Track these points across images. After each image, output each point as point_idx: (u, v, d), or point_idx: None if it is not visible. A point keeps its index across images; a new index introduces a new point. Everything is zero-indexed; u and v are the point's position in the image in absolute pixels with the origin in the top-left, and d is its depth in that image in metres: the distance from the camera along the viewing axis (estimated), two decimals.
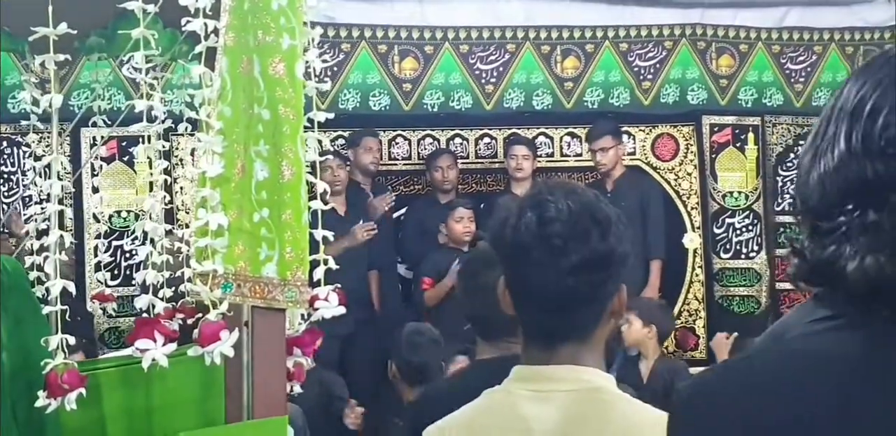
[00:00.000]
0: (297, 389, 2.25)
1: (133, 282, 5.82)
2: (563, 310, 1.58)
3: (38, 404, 2.06)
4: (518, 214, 1.58)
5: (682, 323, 6.54)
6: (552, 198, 1.57)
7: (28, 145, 5.45)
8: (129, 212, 5.96)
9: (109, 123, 3.06)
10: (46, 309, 2.22)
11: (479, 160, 6.60)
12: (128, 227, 5.92)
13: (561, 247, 1.54)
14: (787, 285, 6.64)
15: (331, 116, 2.23)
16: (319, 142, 2.23)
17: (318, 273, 2.18)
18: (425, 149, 6.54)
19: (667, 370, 5.06)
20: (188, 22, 2.08)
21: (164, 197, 2.62)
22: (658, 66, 6.54)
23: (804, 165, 1.02)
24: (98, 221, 5.61)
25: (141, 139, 5.65)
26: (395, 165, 6.47)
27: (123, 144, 5.86)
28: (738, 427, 0.96)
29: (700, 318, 6.55)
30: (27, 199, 5.77)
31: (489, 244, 1.66)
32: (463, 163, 6.44)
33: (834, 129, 0.99)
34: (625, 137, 6.44)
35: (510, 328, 2.37)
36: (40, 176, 2.91)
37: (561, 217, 1.55)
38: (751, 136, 6.61)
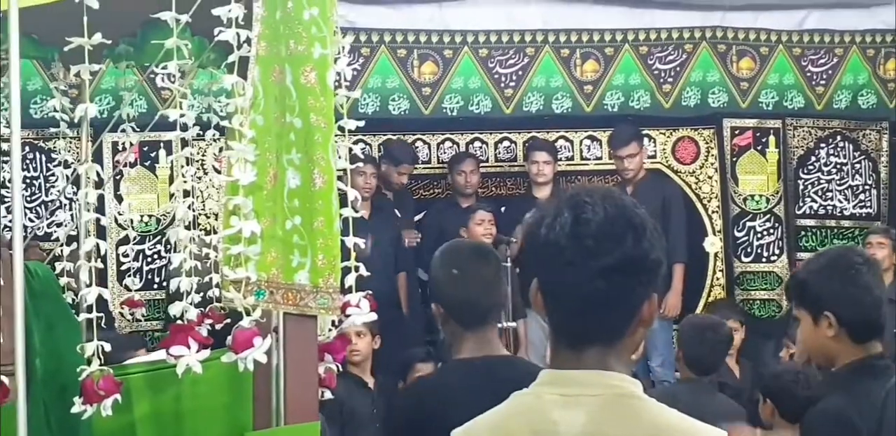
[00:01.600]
0: (329, 394, 2.27)
1: (155, 286, 5.86)
2: (592, 313, 1.57)
3: (75, 410, 2.08)
4: (554, 214, 1.58)
5: None
6: (590, 200, 1.57)
7: (54, 150, 5.49)
8: (150, 217, 5.99)
9: (138, 129, 3.09)
10: (82, 316, 2.24)
11: (499, 164, 6.61)
12: (149, 231, 5.95)
13: (594, 248, 1.53)
14: None
15: (361, 124, 2.25)
16: (350, 150, 2.24)
17: (350, 280, 2.20)
18: (445, 153, 6.55)
19: None
20: (221, 32, 2.09)
21: (192, 204, 2.64)
22: (678, 69, 6.53)
23: None
24: (124, 228, 5.65)
25: (163, 145, 5.68)
26: (415, 168, 6.48)
27: (145, 148, 5.89)
28: None
29: None
30: (50, 203, 5.83)
31: (523, 244, 1.66)
32: (483, 167, 6.45)
33: None
34: (645, 141, 6.44)
35: (491, 315, 2.42)
36: (70, 183, 2.94)
37: (597, 219, 1.55)
38: (772, 139, 6.60)
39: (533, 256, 1.62)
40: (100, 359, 2.07)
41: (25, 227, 5.53)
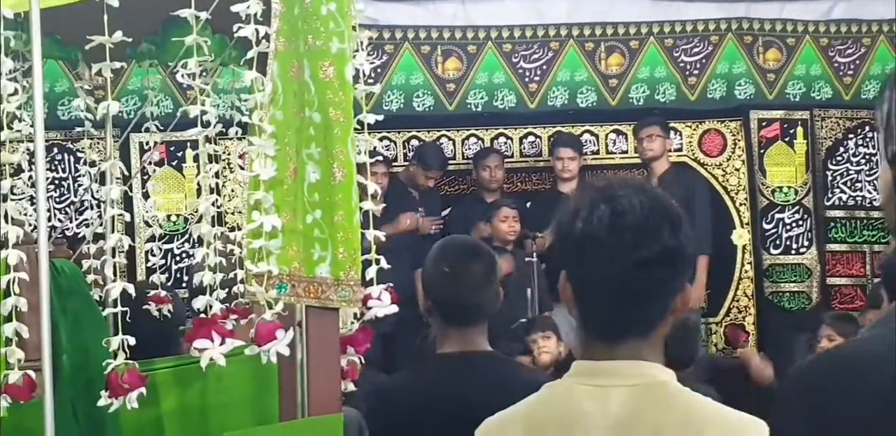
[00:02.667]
0: (352, 387, 2.28)
1: (183, 284, 5.90)
2: (627, 304, 1.57)
3: (101, 403, 2.11)
4: (590, 206, 1.58)
5: (731, 320, 6.50)
6: (624, 193, 1.58)
7: (82, 151, 5.54)
8: (178, 216, 6.04)
9: (162, 128, 3.11)
10: (107, 311, 2.26)
11: (524, 159, 6.60)
12: (177, 230, 6.00)
13: (632, 241, 1.54)
14: (839, 281, 6.59)
15: (380, 118, 2.26)
16: (372, 147, 2.25)
17: (370, 273, 2.21)
18: (470, 149, 6.55)
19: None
20: (240, 28, 2.11)
21: (216, 200, 2.66)
22: (704, 61, 6.50)
23: None
24: (150, 225, 5.69)
25: (189, 144, 5.72)
26: (449, 166, 6.47)
27: (172, 148, 5.93)
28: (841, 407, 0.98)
29: (749, 314, 6.51)
30: (79, 204, 5.89)
31: (557, 237, 1.66)
32: (508, 162, 6.44)
33: None
34: (671, 134, 6.41)
35: (478, 315, 2.41)
36: (95, 181, 2.97)
37: (634, 211, 1.55)
38: (799, 130, 6.56)
39: (568, 250, 1.62)
40: (125, 353, 2.09)
41: (54, 227, 5.62)
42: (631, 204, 1.56)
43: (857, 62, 6.67)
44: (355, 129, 2.17)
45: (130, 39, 2.26)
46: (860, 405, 1.06)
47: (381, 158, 5.92)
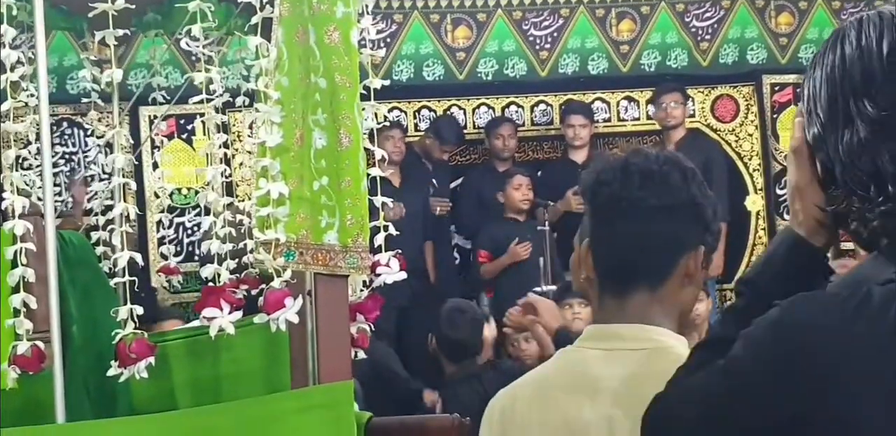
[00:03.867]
0: (362, 354, 2.27)
1: (196, 257, 5.91)
2: (637, 253, 1.60)
3: (110, 373, 2.10)
4: (609, 167, 1.63)
5: None
6: (649, 153, 1.65)
7: (89, 123, 5.53)
8: (189, 189, 6.03)
9: (169, 98, 3.09)
10: (115, 280, 2.26)
11: (535, 127, 6.56)
12: (188, 204, 5.99)
13: (644, 190, 1.58)
14: (852, 245, 6.53)
15: (386, 82, 2.23)
16: (376, 115, 2.23)
17: (379, 239, 2.19)
18: (480, 118, 6.52)
19: None
20: None
21: (225, 170, 2.64)
22: (716, 26, 6.44)
23: None
24: (158, 197, 5.68)
25: (199, 116, 5.70)
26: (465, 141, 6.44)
27: (181, 121, 5.91)
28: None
29: None
30: (89, 178, 5.88)
31: (581, 196, 1.71)
32: (519, 131, 6.41)
33: None
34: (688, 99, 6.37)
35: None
36: (102, 153, 2.96)
37: (648, 164, 1.61)
38: None
39: (591, 208, 1.66)
40: (134, 322, 2.08)
41: (63, 202, 5.62)
42: (647, 158, 1.63)
43: None
44: (362, 94, 2.15)
45: (134, 6, 2.23)
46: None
47: (388, 124, 5.90)
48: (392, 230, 2.20)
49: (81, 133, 6.02)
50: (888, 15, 1.20)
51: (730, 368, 1.18)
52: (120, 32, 2.22)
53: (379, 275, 2.16)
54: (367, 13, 2.24)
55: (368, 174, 2.13)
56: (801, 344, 1.11)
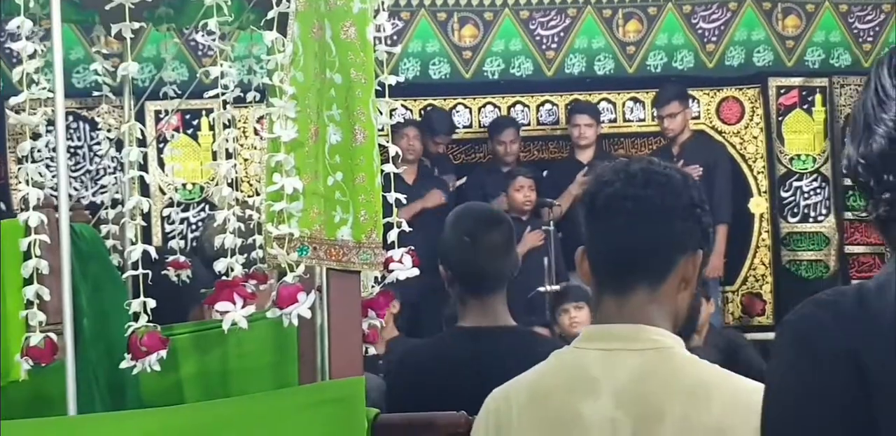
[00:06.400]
0: (373, 350, 2.28)
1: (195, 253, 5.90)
2: (635, 254, 1.62)
3: (123, 365, 2.11)
4: (619, 165, 1.67)
5: (748, 289, 6.48)
6: (651, 159, 1.71)
7: (99, 117, 5.53)
8: (194, 184, 6.03)
9: (179, 93, 3.09)
10: (127, 274, 2.26)
11: (541, 127, 6.56)
12: (193, 199, 5.99)
13: (644, 193, 1.61)
14: (857, 249, 6.55)
15: (401, 79, 2.24)
16: (392, 111, 2.24)
17: (392, 235, 2.20)
18: (486, 117, 6.52)
19: (722, 341, 5.01)
20: None
21: (235, 165, 2.64)
22: (722, 27, 6.44)
23: None
24: (164, 193, 5.68)
25: (205, 112, 5.69)
26: (456, 133, 6.45)
27: (187, 117, 5.92)
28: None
29: (767, 283, 6.49)
30: (95, 172, 5.87)
31: (581, 203, 1.72)
32: (524, 130, 6.41)
33: None
34: (689, 102, 6.36)
35: (499, 284, 2.45)
36: (113, 146, 2.96)
37: (647, 169, 1.65)
38: (818, 97, 6.50)
39: (589, 215, 1.67)
40: (147, 315, 2.08)
41: (70, 195, 5.60)
42: (649, 162, 1.68)
43: (877, 29, 6.59)
44: (376, 91, 2.15)
45: (150, 0, 2.23)
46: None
47: (402, 121, 5.90)
48: (405, 227, 2.20)
49: (87, 127, 6.02)
50: None
51: (769, 383, 1.19)
52: (136, 25, 2.23)
53: (392, 271, 2.16)
54: (384, 10, 2.24)
55: (382, 170, 2.13)
56: (819, 321, 1.14)
